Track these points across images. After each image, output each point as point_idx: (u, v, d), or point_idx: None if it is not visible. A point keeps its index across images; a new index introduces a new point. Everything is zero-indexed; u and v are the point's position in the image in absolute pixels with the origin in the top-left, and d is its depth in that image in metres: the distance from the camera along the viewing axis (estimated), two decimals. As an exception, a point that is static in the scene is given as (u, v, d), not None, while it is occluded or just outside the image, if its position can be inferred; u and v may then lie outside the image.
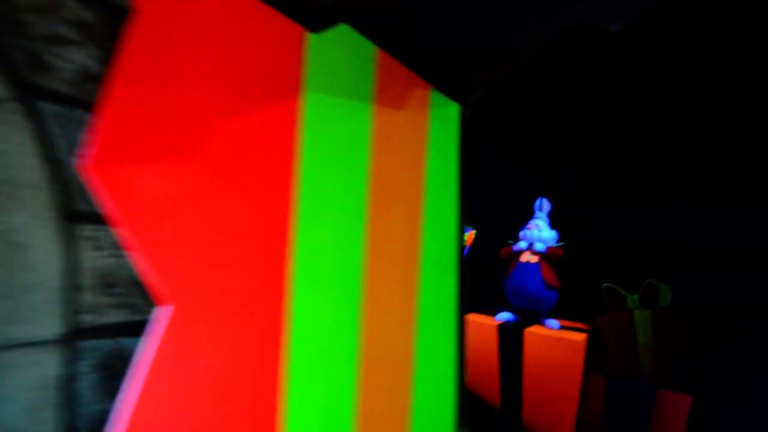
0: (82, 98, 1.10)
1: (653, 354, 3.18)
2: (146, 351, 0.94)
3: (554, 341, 3.10)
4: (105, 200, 0.89)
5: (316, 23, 1.29)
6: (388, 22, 1.43)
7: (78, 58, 1.10)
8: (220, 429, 1.03)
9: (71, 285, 1.06)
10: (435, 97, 1.58)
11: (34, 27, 1.02)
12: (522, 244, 3.48)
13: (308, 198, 1.21)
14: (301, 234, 1.19)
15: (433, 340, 1.54)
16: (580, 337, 3.08)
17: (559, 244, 3.44)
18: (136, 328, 1.20)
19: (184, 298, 0.98)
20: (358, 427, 1.30)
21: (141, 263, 0.93)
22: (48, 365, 1.02)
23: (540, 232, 3.44)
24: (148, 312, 1.24)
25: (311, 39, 1.25)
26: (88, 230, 1.11)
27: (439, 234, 1.57)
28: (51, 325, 1.03)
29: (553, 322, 3.32)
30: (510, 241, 3.64)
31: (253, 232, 1.11)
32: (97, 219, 1.13)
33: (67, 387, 1.06)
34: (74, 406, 1.07)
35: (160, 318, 0.96)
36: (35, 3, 1.02)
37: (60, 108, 1.06)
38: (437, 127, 1.59)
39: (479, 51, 1.58)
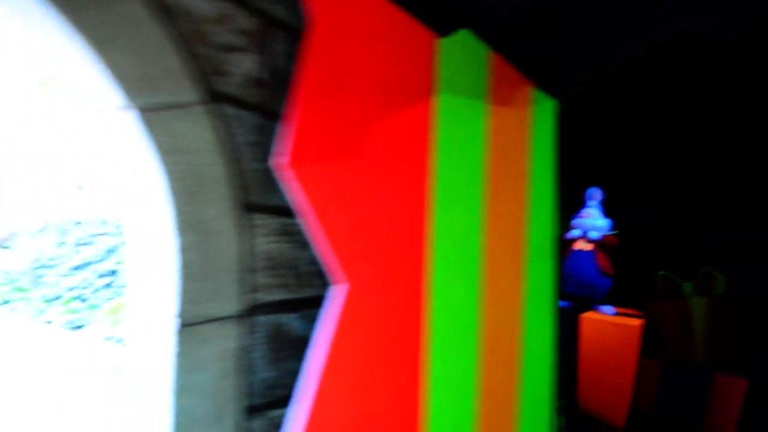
0: (250, 101, 1.22)
1: (709, 340, 3.25)
2: (325, 324, 1.07)
3: (611, 326, 3.19)
4: (298, 193, 1.01)
5: (445, 28, 1.39)
6: (504, 26, 1.52)
7: (245, 63, 1.21)
8: (382, 391, 1.17)
9: (247, 267, 1.20)
10: (536, 93, 1.67)
11: (213, 36, 1.14)
12: (575, 232, 3.55)
13: (442, 191, 1.33)
14: (438, 223, 1.31)
15: (535, 321, 1.65)
16: (637, 322, 3.16)
17: (614, 232, 3.51)
18: (292, 306, 1.34)
19: (356, 278, 1.10)
20: (481, 393, 1.43)
21: (323, 247, 1.06)
22: (231, 338, 1.16)
23: (594, 221, 3.51)
24: (300, 291, 1.37)
25: (440, 43, 1.35)
26: (257, 219, 1.24)
27: (539, 223, 1.67)
28: (233, 303, 1.16)
29: (608, 308, 3.40)
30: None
31: (405, 220, 1.22)
32: (263, 209, 1.26)
33: (245, 357, 1.20)
34: (250, 373, 1.21)
35: (337, 295, 1.09)
36: (212, 14, 1.14)
37: (234, 110, 1.19)
38: (538, 122, 1.68)
39: (581, 51, 1.66)
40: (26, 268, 5.85)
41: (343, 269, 1.08)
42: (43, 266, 5.71)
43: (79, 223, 5.72)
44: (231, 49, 1.18)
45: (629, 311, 3.52)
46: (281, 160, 1.00)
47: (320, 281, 1.45)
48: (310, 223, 1.04)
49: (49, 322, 5.31)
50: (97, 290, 5.30)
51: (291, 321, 1.33)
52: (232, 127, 1.17)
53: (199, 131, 1.09)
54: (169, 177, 1.01)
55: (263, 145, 1.25)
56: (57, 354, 4.48)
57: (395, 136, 1.23)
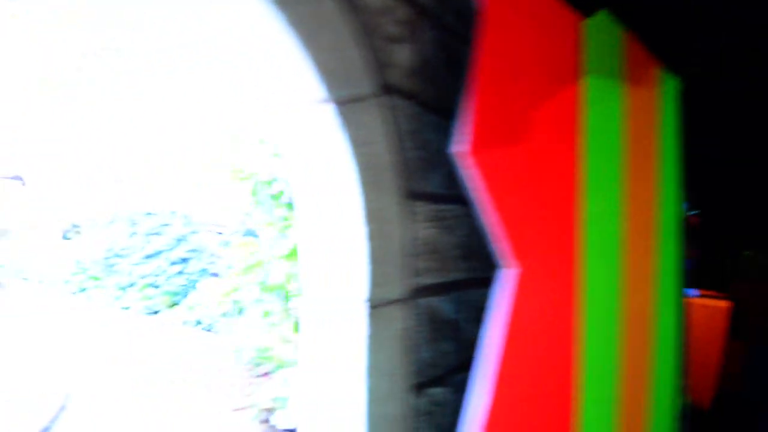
0: (408, 90, 1.25)
1: (800, 321, 3.15)
2: (499, 307, 1.10)
3: (698, 308, 3.13)
4: (477, 179, 1.04)
5: (587, 8, 1.37)
6: (637, 4, 1.49)
7: (403, 53, 1.24)
8: (546, 372, 1.20)
9: (410, 253, 1.24)
10: (662, 73, 1.64)
11: (381, 28, 1.17)
12: (653, 213, 3.47)
13: (591, 174, 1.33)
14: (588, 206, 1.32)
15: (664, 302, 1.65)
16: (724, 303, 3.09)
17: (694, 212, 3.41)
18: (442, 289, 1.38)
19: (526, 262, 1.13)
20: (622, 373, 1.45)
21: (498, 232, 1.09)
22: (402, 320, 1.21)
23: (673, 201, 3.42)
24: (447, 275, 1.41)
25: (584, 24, 1.34)
26: (417, 206, 1.28)
27: (667, 205, 1.65)
28: (402, 287, 1.21)
29: (691, 290, 3.33)
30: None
31: (563, 205, 1.24)
32: (420, 196, 1.30)
33: (411, 338, 1.25)
34: (413, 353, 1.27)
35: (509, 280, 1.12)
36: (379, 6, 1.16)
37: (397, 100, 1.22)
38: (665, 101, 1.65)
39: (706, 31, 1.61)
40: (99, 257, 6.19)
41: (515, 254, 1.11)
42: (116, 255, 6.02)
43: (149, 214, 5.98)
44: (393, 39, 1.21)
45: (712, 293, 3.44)
46: (462, 148, 1.03)
47: (464, 265, 1.48)
48: (485, 209, 1.07)
49: (127, 308, 5.62)
50: (169, 277, 5.56)
51: (441, 303, 1.38)
52: (397, 117, 1.21)
53: (377, 122, 1.13)
54: (358, 168, 1.06)
55: (417, 134, 1.28)
56: (136, 337, 4.76)
57: (553, 120, 1.24)
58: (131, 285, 5.77)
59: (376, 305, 1.12)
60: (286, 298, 2.50)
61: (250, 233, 5.08)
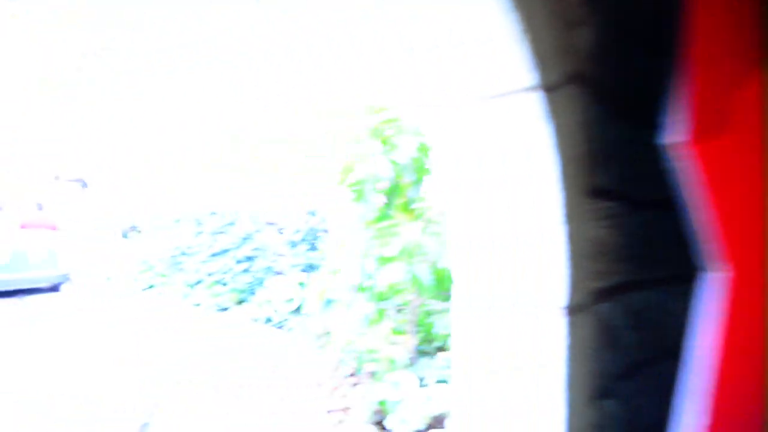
0: (589, 79, 1.16)
1: None
2: (708, 315, 1.00)
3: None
4: (698, 171, 0.94)
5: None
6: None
7: (577, 38, 1.15)
8: (744, 376, 1.09)
9: (588, 254, 1.15)
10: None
11: (563, 11, 1.08)
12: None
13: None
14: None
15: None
16: None
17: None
18: (611, 293, 1.28)
19: (739, 264, 1.02)
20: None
21: (713, 231, 0.98)
22: (580, 326, 1.13)
23: None
24: (612, 278, 1.31)
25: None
26: (592, 203, 1.19)
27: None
28: (581, 290, 1.13)
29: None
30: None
31: (760, 197, 1.12)
32: (592, 192, 1.20)
33: (588, 345, 1.16)
34: (589, 362, 1.18)
35: (721, 284, 1.01)
36: (558, -11, 1.07)
37: (574, 89, 1.13)
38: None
39: None
40: (165, 255, 6.40)
41: (730, 257, 1.00)
42: (183, 253, 6.20)
43: (214, 213, 6.12)
44: (571, 23, 1.12)
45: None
46: (681, 138, 0.93)
47: (626, 267, 1.37)
48: (702, 205, 0.97)
49: (198, 305, 5.79)
50: (236, 275, 5.67)
51: (608, 309, 1.28)
52: (577, 108, 1.12)
53: (564, 112, 1.05)
54: (561, 161, 0.98)
55: (592, 125, 1.19)
56: (213, 334, 4.89)
57: (749, 106, 1.12)
58: (198, 282, 5.91)
59: (567, 312, 1.04)
60: (380, 298, 2.45)
61: (313, 232, 5.10)
